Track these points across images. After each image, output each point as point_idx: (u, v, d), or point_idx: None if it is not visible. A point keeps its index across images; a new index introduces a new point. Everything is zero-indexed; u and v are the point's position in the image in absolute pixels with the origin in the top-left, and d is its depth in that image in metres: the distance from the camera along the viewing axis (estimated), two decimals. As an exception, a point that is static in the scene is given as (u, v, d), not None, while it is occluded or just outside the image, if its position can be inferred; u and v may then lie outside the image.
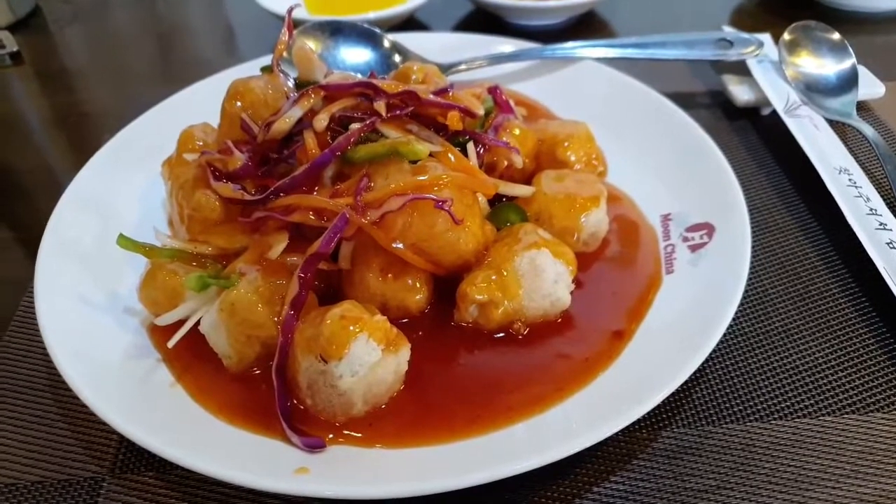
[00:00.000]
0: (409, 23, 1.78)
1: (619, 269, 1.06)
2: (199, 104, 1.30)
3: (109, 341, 0.96)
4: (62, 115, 1.60)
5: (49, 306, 0.96)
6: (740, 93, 1.42)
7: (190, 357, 0.94)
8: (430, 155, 0.96)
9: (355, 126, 0.97)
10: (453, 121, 1.02)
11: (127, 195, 1.19)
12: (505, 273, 0.93)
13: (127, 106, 1.53)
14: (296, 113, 1.00)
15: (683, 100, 1.32)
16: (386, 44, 1.42)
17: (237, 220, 0.99)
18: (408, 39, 1.47)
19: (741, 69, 1.46)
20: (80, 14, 2.00)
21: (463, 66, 1.41)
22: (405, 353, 0.88)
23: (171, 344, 0.91)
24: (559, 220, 1.02)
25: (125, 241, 0.95)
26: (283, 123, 0.99)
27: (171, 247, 0.97)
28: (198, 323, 0.92)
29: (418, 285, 0.95)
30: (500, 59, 1.41)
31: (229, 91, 1.10)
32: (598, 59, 1.39)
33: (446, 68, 1.38)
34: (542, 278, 0.93)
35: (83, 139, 1.54)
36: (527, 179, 1.11)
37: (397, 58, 1.42)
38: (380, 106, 1.00)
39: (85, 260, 1.06)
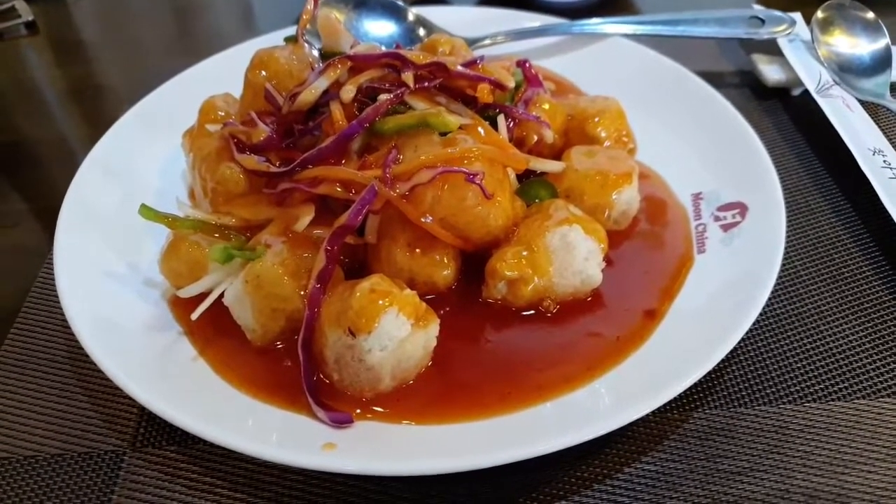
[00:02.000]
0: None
1: (650, 247, 1.03)
2: (220, 75, 1.27)
3: (130, 313, 0.95)
4: (78, 86, 1.58)
5: (69, 277, 0.95)
6: (771, 72, 1.38)
7: (213, 330, 0.92)
8: (460, 128, 0.94)
9: (383, 97, 0.95)
10: (483, 93, 0.99)
11: (147, 165, 1.17)
12: (535, 249, 0.91)
13: (143, 78, 1.50)
14: (322, 84, 0.98)
15: (712, 79, 1.29)
16: (410, 17, 1.39)
17: (262, 191, 0.97)
18: (432, 13, 1.44)
19: (771, 48, 1.43)
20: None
21: (487, 41, 1.38)
22: (434, 328, 0.86)
23: (194, 316, 0.90)
24: (590, 196, 1.00)
25: (147, 211, 0.93)
26: (309, 94, 0.97)
27: (194, 217, 0.95)
28: (221, 295, 0.91)
29: (446, 260, 0.93)
30: (526, 33, 1.38)
31: (253, 61, 1.08)
32: (628, 36, 1.36)
33: (471, 43, 1.35)
34: (573, 255, 0.91)
35: (99, 111, 1.52)
36: (555, 155, 1.08)
37: (421, 31, 1.39)
38: (408, 77, 0.98)
39: (105, 230, 1.05)
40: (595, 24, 1.37)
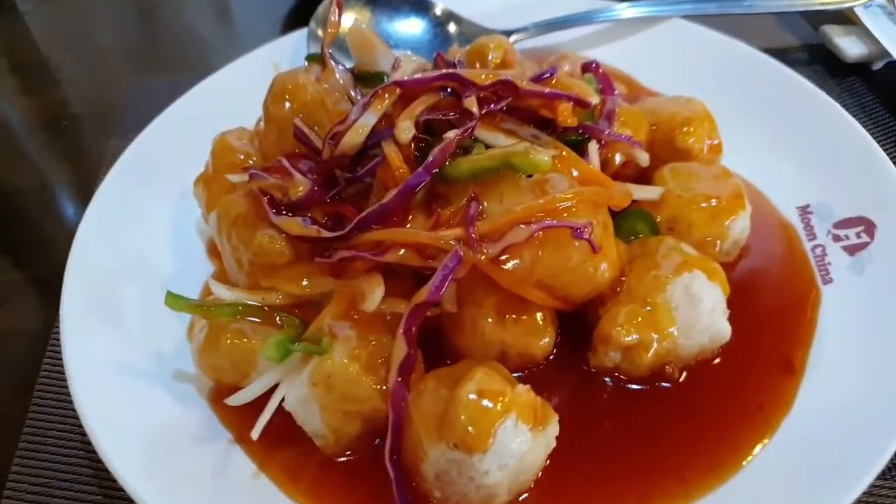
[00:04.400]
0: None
1: (765, 281, 0.89)
2: (218, 99, 1.09)
3: (165, 420, 0.79)
4: (51, 117, 1.36)
5: (84, 383, 0.78)
6: (849, 46, 1.22)
7: (271, 437, 0.76)
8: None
9: (451, 134, 0.77)
10: (565, 115, 0.82)
11: (154, 221, 0.98)
12: (654, 306, 0.75)
13: (121, 100, 1.31)
14: (369, 120, 0.80)
15: (777, 57, 1.12)
16: (437, 11, 1.19)
17: (311, 260, 0.79)
18: (457, 3, 1.24)
19: (842, 19, 1.26)
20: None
21: (522, 34, 1.19)
22: (554, 427, 0.70)
23: (254, 435, 0.73)
24: (700, 227, 0.83)
25: (175, 301, 0.76)
26: (356, 135, 0.79)
27: (232, 301, 0.78)
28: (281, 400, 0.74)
29: (542, 325, 0.77)
30: (570, 21, 1.19)
31: (274, 89, 0.90)
32: (688, 17, 1.18)
33: (508, 35, 1.16)
34: (699, 309, 0.76)
35: (81, 145, 1.31)
36: (640, 175, 0.92)
37: (452, 27, 1.19)
38: (470, 102, 0.80)
39: (117, 312, 0.87)
40: (650, 4, 1.18)
